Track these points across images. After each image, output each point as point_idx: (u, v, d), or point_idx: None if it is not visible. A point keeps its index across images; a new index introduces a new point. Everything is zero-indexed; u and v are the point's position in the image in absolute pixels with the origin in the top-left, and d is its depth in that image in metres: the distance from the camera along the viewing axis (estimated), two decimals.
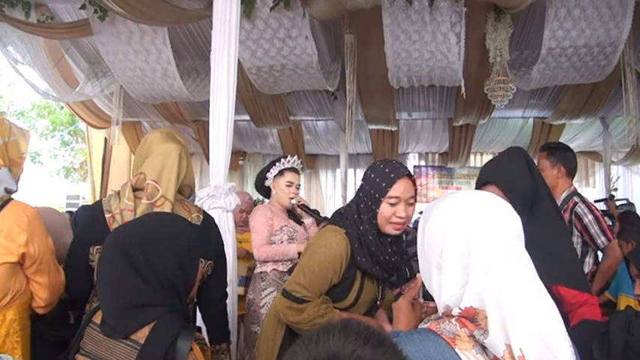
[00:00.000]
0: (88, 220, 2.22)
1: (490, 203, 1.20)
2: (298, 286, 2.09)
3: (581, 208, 3.40)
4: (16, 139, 2.17)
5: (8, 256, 1.95)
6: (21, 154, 2.20)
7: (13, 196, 2.14)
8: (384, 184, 2.06)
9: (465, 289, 1.10)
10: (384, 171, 2.09)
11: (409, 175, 2.09)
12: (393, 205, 2.06)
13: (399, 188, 2.05)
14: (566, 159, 3.50)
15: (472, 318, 1.08)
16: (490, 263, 1.10)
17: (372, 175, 2.12)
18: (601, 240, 3.35)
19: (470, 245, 1.12)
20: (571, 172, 3.52)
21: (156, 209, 2.13)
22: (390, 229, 2.10)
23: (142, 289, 1.46)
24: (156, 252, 1.51)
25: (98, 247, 1.96)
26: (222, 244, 2.39)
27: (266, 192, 3.72)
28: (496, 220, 1.16)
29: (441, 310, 1.16)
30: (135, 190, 2.20)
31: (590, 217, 3.37)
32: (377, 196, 2.07)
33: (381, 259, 2.13)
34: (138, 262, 1.47)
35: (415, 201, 2.12)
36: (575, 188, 3.54)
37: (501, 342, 1.04)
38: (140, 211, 2.12)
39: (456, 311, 1.11)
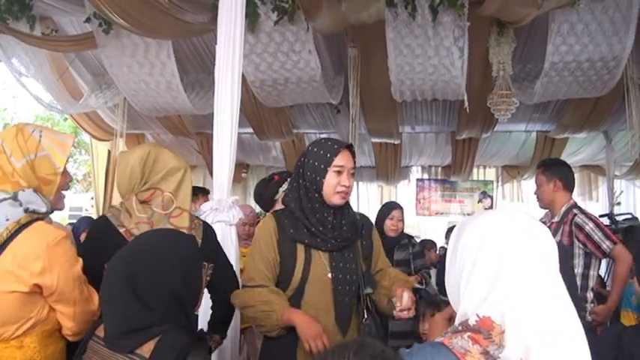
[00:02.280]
0: (102, 238, 2.17)
1: (527, 224, 1.21)
2: (246, 274, 2.32)
3: (580, 218, 3.41)
4: (47, 153, 1.98)
5: (19, 285, 1.77)
6: (55, 169, 2.00)
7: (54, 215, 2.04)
8: (328, 155, 2.24)
9: (488, 299, 1.11)
10: (327, 144, 2.28)
11: (349, 147, 2.29)
12: (338, 173, 2.23)
13: (343, 158, 2.24)
14: (561, 173, 3.56)
15: (486, 333, 1.09)
16: (519, 283, 1.11)
17: (316, 149, 2.29)
18: (606, 245, 3.34)
19: (501, 262, 1.14)
20: (568, 186, 3.56)
21: (172, 220, 2.18)
22: (337, 199, 2.25)
23: (146, 313, 1.45)
24: (162, 272, 1.50)
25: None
26: (220, 245, 2.53)
27: (270, 205, 3.70)
28: (530, 240, 1.18)
29: (458, 319, 1.17)
30: (141, 202, 2.21)
31: (590, 224, 3.38)
32: (322, 167, 2.23)
33: (320, 229, 2.25)
34: (144, 286, 1.46)
35: (353, 172, 2.30)
36: (574, 202, 3.56)
37: (516, 358, 1.05)
38: (156, 221, 2.15)
39: (472, 319, 1.11)
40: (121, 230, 2.11)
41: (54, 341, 1.93)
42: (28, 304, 1.81)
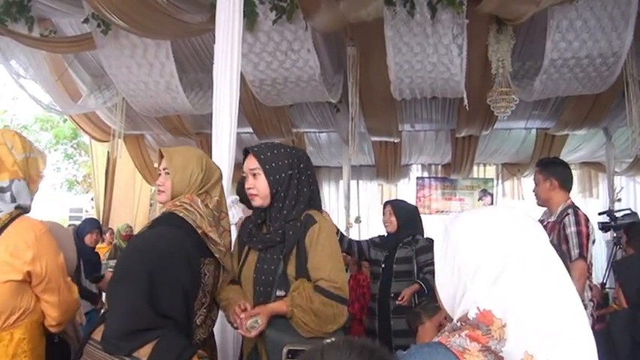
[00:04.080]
0: (187, 236, 2.11)
1: (524, 220, 1.20)
2: None
3: (568, 219, 3.37)
4: (36, 156, 2.19)
5: (12, 274, 1.92)
6: (39, 172, 2.21)
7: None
8: None
9: (490, 292, 1.11)
10: None
11: (249, 151, 2.31)
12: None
13: (245, 164, 2.32)
14: (557, 172, 3.53)
15: (485, 328, 1.08)
16: (521, 281, 1.10)
17: None
18: (574, 252, 3.25)
19: (503, 261, 1.13)
20: (564, 185, 3.52)
21: (221, 221, 2.39)
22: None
23: (151, 314, 1.46)
24: (176, 270, 1.54)
25: (207, 259, 2.17)
26: None
27: None
28: (530, 236, 1.17)
29: (457, 316, 1.16)
30: None
31: (573, 228, 3.31)
32: None
33: (254, 229, 2.35)
34: (160, 285, 1.48)
35: (261, 173, 2.25)
36: (571, 202, 3.51)
37: (520, 352, 1.05)
38: (215, 223, 2.30)
39: (472, 313, 1.10)
40: (199, 231, 2.17)
41: (39, 333, 2.07)
42: (19, 293, 1.95)
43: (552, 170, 3.55)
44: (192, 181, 2.30)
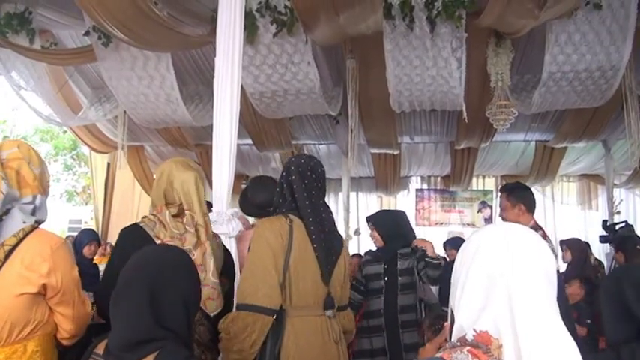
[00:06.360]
0: (139, 246, 2.13)
1: (525, 240, 1.21)
2: None
3: None
4: (46, 169, 2.25)
5: (28, 287, 1.92)
6: (49, 184, 2.27)
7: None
8: None
9: (483, 313, 1.11)
10: None
11: None
12: None
13: None
14: (525, 198, 3.74)
15: (485, 347, 1.08)
16: (509, 299, 1.11)
17: None
18: None
19: (489, 279, 1.14)
20: (530, 209, 3.73)
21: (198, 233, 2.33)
22: None
23: (153, 325, 1.47)
24: (179, 283, 1.56)
25: None
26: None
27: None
28: (524, 256, 1.17)
29: (455, 334, 1.17)
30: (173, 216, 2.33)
31: None
32: None
33: None
34: (164, 297, 1.49)
35: None
36: (534, 223, 3.73)
37: None
38: (189, 238, 2.27)
39: (470, 334, 1.11)
40: (157, 241, 2.20)
41: (52, 346, 2.08)
42: (34, 305, 1.95)
43: (519, 196, 3.75)
44: (155, 190, 2.37)
